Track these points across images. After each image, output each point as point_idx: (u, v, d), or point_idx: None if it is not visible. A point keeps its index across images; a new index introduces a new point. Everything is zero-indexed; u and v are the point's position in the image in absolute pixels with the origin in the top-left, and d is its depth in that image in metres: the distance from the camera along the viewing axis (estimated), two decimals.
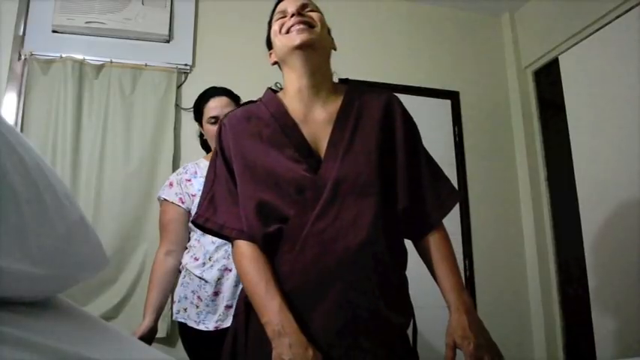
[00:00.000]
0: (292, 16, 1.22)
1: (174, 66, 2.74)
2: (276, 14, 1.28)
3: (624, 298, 2.43)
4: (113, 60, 2.64)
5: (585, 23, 2.83)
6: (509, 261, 3.12)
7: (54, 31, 2.60)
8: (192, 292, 1.76)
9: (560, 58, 3.02)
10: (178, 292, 1.83)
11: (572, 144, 2.89)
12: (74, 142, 2.46)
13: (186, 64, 2.78)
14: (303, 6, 1.26)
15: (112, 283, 2.40)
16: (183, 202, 1.84)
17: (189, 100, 2.71)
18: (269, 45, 1.33)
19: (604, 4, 2.70)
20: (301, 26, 1.20)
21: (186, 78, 2.79)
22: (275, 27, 1.26)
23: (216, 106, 1.87)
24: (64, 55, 2.55)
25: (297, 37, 1.19)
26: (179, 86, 2.75)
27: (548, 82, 3.20)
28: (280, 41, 1.24)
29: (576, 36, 2.91)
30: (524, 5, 3.37)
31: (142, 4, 2.69)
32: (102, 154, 2.51)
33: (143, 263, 2.45)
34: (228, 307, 1.70)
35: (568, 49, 2.98)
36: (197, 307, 1.74)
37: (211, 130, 1.82)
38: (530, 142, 3.25)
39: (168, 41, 2.77)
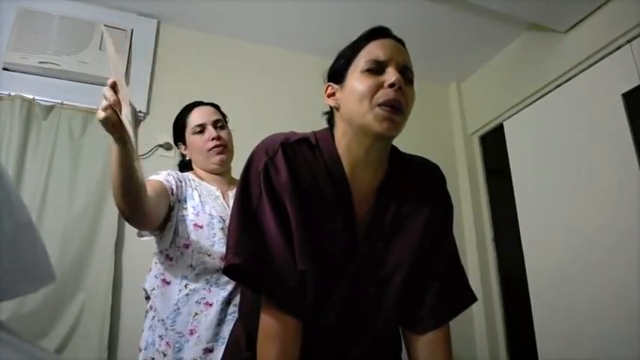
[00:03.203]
0: (394, 87, 1.02)
1: None
2: (366, 58, 1.07)
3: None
4: (64, 102, 2.57)
5: (528, 92, 3.01)
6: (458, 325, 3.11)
7: (5, 69, 2.52)
8: (160, 336, 1.45)
9: (504, 124, 3.20)
10: (145, 337, 1.49)
11: (517, 207, 2.99)
12: (15, 181, 2.34)
13: (140, 111, 2.74)
14: (404, 68, 1.07)
15: (44, 336, 2.20)
16: (172, 194, 1.52)
17: (139, 147, 2.66)
18: (334, 76, 1.14)
19: (546, 74, 2.89)
20: (396, 116, 1.03)
21: (138, 125, 2.75)
22: (363, 80, 1.05)
23: (201, 114, 1.70)
24: (12, 94, 2.47)
25: (384, 126, 1.02)
26: None
27: (494, 147, 3.35)
28: (363, 110, 1.03)
29: (520, 103, 3.09)
30: (471, 76, 3.57)
31: (100, 48, 2.66)
32: (44, 196, 2.38)
33: (79, 315, 2.29)
34: (207, 350, 1.40)
35: (512, 115, 3.16)
36: (164, 354, 1.41)
37: (198, 141, 1.67)
38: (476, 205, 3.35)
39: None
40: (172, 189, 1.54)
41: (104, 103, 1.14)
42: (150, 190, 1.40)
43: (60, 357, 2.17)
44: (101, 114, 1.14)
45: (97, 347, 2.26)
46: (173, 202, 1.53)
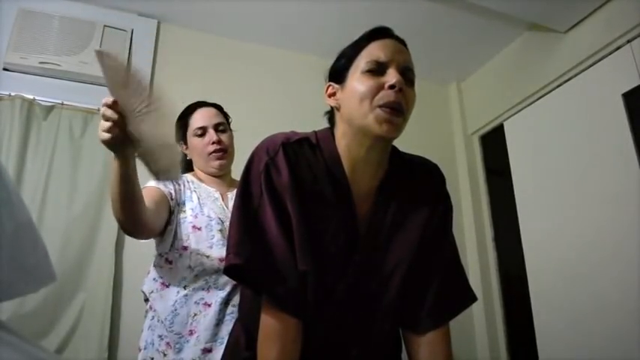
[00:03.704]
0: (395, 89, 1.02)
1: None
2: (367, 58, 1.06)
3: None
4: (65, 102, 2.57)
5: (528, 92, 3.01)
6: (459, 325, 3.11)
7: (5, 69, 2.53)
8: (160, 336, 1.45)
9: (505, 124, 3.20)
10: (144, 337, 1.49)
11: (517, 207, 2.99)
12: (15, 181, 2.34)
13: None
14: (405, 69, 1.06)
15: (44, 336, 2.20)
16: (171, 199, 1.53)
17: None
18: (335, 75, 1.13)
19: (546, 74, 2.89)
20: (396, 118, 1.02)
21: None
22: (364, 81, 1.04)
23: (203, 116, 1.68)
24: (12, 94, 2.47)
25: (384, 128, 1.02)
26: None
27: (494, 147, 3.35)
28: (364, 111, 1.03)
29: (520, 103, 3.09)
30: (471, 76, 3.57)
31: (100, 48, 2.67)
32: (44, 196, 2.38)
33: (80, 315, 2.29)
34: (206, 350, 1.40)
35: (512, 115, 3.16)
36: (164, 355, 1.42)
37: (198, 143, 1.66)
38: (477, 205, 3.35)
39: None
40: (171, 193, 1.53)
41: (106, 124, 1.10)
42: (149, 199, 1.39)
43: (60, 357, 2.17)
44: (105, 135, 1.11)
45: (98, 347, 2.26)
46: (173, 206, 1.53)
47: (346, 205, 1.09)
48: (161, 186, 1.52)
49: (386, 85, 1.02)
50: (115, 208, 1.28)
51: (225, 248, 1.44)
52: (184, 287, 1.46)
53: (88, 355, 2.23)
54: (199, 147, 1.67)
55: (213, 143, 1.65)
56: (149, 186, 1.51)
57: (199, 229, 1.51)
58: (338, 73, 1.11)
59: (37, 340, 2.15)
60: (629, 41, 2.44)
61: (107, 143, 1.12)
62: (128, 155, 1.17)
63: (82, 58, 2.63)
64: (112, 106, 1.09)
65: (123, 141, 1.12)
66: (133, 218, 1.31)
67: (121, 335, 2.37)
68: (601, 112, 2.53)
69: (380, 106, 1.01)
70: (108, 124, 1.09)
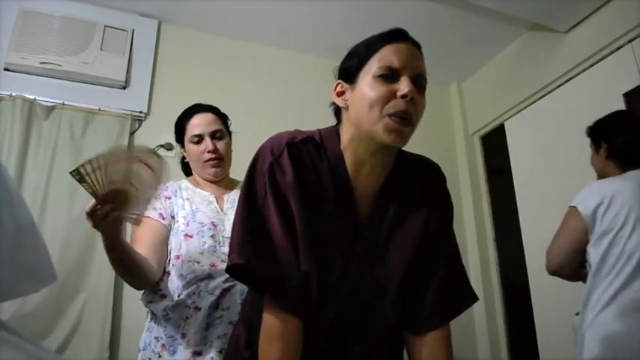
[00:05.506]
0: (406, 98, 1.00)
1: (129, 112, 2.70)
2: (380, 63, 1.03)
3: None
4: (65, 102, 2.58)
5: (529, 92, 3.02)
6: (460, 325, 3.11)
7: (6, 69, 2.54)
8: (156, 338, 1.48)
9: (505, 124, 3.20)
10: (144, 338, 1.53)
11: (518, 207, 2.99)
12: (16, 182, 2.34)
13: (141, 112, 2.75)
14: (418, 77, 1.05)
15: (45, 336, 2.20)
16: (163, 219, 1.56)
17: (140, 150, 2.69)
18: (345, 74, 1.10)
19: (547, 74, 2.90)
20: (405, 128, 1.01)
21: (140, 125, 2.76)
22: (375, 87, 1.02)
23: (200, 124, 1.66)
24: (13, 94, 2.48)
25: (392, 137, 1.01)
26: (132, 133, 2.71)
27: (494, 147, 3.35)
28: (373, 118, 1.01)
29: (521, 104, 3.09)
30: (472, 76, 3.57)
31: (101, 49, 2.67)
32: (45, 196, 2.38)
33: (80, 315, 2.29)
34: (196, 353, 1.41)
35: (513, 115, 3.16)
36: (159, 356, 1.45)
37: (194, 150, 1.65)
38: (477, 205, 3.35)
39: (124, 87, 2.75)
40: (162, 214, 1.57)
41: (104, 223, 1.18)
42: (150, 236, 1.51)
43: (61, 357, 2.17)
44: (109, 233, 1.23)
45: (98, 347, 2.26)
46: (168, 224, 1.57)
47: (348, 206, 1.09)
48: (152, 214, 1.55)
49: (398, 94, 1.00)
50: (121, 277, 1.48)
51: (215, 254, 1.50)
52: (178, 295, 1.48)
53: (88, 354, 2.24)
54: (195, 154, 1.67)
55: (208, 152, 1.65)
56: (147, 218, 1.52)
57: (191, 236, 1.53)
58: (348, 73, 1.08)
59: (38, 339, 2.15)
60: (629, 41, 2.44)
61: (110, 233, 1.24)
62: (118, 232, 1.26)
63: (83, 58, 2.63)
64: (97, 208, 1.16)
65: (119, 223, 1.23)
66: (139, 283, 1.48)
67: (121, 335, 2.38)
68: (602, 112, 2.51)
69: (390, 115, 1.00)
70: (106, 221, 1.18)
